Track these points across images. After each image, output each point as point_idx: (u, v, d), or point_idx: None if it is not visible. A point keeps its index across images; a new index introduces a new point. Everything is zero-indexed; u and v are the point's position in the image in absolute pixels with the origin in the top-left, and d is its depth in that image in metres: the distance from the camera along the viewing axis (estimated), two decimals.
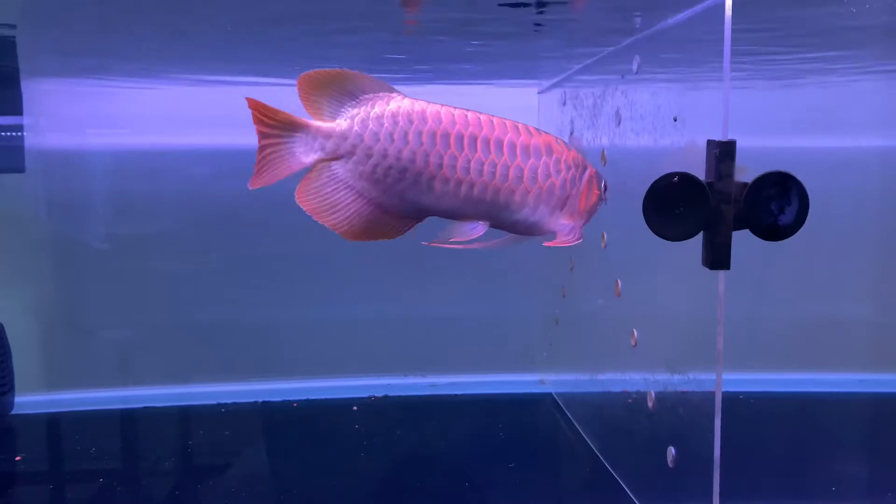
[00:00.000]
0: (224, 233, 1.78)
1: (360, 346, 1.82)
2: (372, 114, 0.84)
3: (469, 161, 0.86)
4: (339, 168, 0.85)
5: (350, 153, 0.84)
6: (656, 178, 0.89)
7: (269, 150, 0.84)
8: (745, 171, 0.89)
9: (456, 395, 1.76)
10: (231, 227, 1.77)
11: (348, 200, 0.85)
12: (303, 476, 1.34)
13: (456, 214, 0.90)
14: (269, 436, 1.55)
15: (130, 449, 1.49)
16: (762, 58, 1.44)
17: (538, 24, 1.17)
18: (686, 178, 0.83)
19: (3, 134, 1.69)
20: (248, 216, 1.77)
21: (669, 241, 0.89)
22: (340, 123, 0.84)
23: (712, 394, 0.86)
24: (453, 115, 0.86)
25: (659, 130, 1.03)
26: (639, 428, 1.12)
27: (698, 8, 0.91)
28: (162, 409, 1.66)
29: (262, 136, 0.84)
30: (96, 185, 1.76)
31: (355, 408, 1.68)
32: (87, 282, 1.75)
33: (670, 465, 0.98)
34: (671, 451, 0.97)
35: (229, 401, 1.69)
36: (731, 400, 1.64)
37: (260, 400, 1.71)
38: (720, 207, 0.83)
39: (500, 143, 0.87)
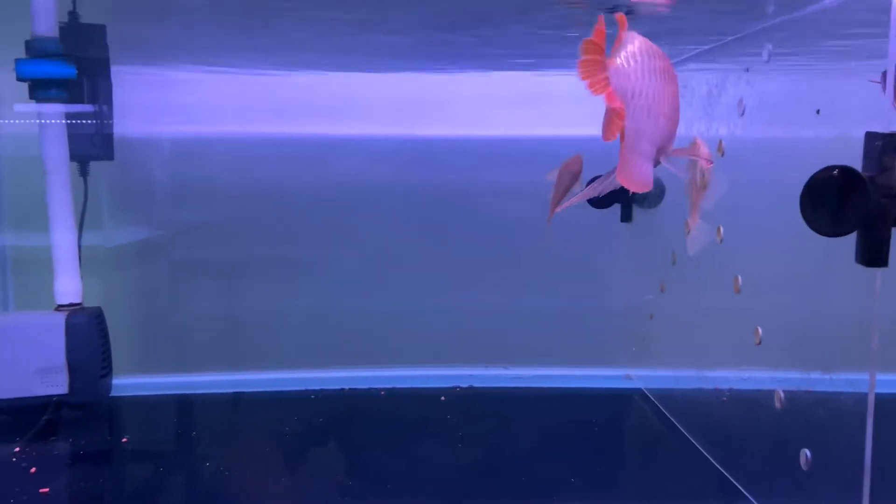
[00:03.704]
0: (303, 221, 1.80)
1: (443, 336, 1.82)
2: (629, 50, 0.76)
3: None
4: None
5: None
6: (794, 171, 0.86)
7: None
8: None
9: (541, 388, 1.74)
10: (310, 214, 1.79)
11: None
12: (400, 464, 1.34)
13: None
14: (364, 423, 1.56)
15: (226, 432, 1.51)
16: None
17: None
18: (846, 172, 0.80)
19: (94, 122, 1.72)
20: (327, 204, 1.79)
21: (803, 236, 0.86)
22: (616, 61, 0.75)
23: (862, 395, 0.83)
24: None
25: (796, 122, 1.00)
26: (761, 428, 1.09)
27: None
28: (253, 395, 1.68)
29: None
30: (174, 172, 1.79)
31: (443, 398, 1.68)
32: (175, 270, 1.79)
33: (804, 467, 0.95)
34: (805, 453, 0.94)
35: (317, 387, 1.71)
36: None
37: (346, 387, 1.72)
38: (881, 202, 0.80)
39: None
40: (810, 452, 0.94)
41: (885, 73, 0.83)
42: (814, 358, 0.95)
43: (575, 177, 1.48)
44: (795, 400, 0.99)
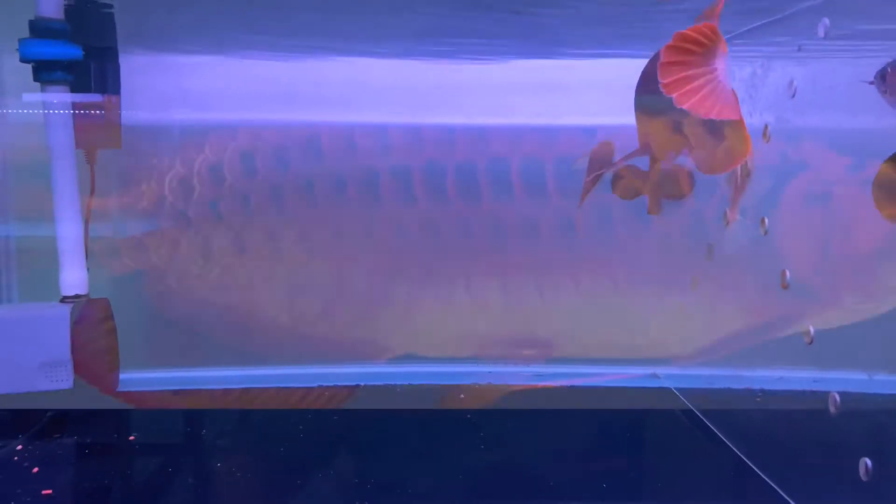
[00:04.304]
0: (316, 211, 1.73)
1: (462, 331, 1.75)
2: None
3: None
4: None
5: None
6: (850, 158, 0.78)
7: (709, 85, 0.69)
8: None
9: (563, 386, 1.67)
10: (323, 204, 1.72)
11: None
12: (417, 465, 1.28)
13: None
14: (379, 421, 1.49)
15: (236, 429, 1.45)
16: None
17: None
18: None
19: (102, 109, 1.66)
20: (341, 193, 1.73)
21: (861, 226, 0.79)
22: None
23: None
24: None
25: (852, 105, 0.92)
26: (812, 433, 1.01)
27: None
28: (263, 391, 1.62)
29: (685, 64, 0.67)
30: (183, 161, 1.73)
31: (462, 395, 1.61)
32: (184, 261, 1.73)
33: (863, 478, 0.87)
34: (866, 462, 0.87)
35: (330, 383, 1.64)
36: None
37: (361, 384, 1.66)
38: None
39: None
40: (871, 461, 0.87)
41: (881, 73, 0.77)
42: (878, 360, 0.88)
43: (606, 163, 1.44)
44: (853, 403, 0.92)
